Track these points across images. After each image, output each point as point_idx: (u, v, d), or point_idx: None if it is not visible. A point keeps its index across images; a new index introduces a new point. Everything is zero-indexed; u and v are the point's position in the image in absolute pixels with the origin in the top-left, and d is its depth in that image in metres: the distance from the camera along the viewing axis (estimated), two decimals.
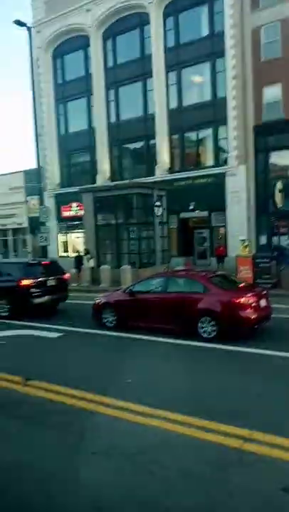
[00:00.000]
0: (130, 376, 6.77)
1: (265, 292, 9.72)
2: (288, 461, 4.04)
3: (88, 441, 4.67)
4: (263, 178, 22.75)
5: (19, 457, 4.45)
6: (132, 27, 26.08)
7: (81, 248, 23.06)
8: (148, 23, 24.91)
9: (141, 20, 25.49)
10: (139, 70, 25.79)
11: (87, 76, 27.91)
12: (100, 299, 11.06)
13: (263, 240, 22.82)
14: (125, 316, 10.21)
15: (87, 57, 28.00)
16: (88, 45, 27.43)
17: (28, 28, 21.21)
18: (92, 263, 20.07)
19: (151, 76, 25.06)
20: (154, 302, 9.79)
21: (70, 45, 28.68)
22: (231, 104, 22.41)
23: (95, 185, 25.92)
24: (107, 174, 27.56)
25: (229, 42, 22.17)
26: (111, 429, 4.98)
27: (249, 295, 8.98)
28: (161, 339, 9.07)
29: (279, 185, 16.59)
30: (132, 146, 27.73)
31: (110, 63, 27.21)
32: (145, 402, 5.54)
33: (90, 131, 28.19)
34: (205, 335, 8.89)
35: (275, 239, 21.66)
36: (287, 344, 8.27)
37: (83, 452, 4.41)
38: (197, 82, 24.59)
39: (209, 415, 5.10)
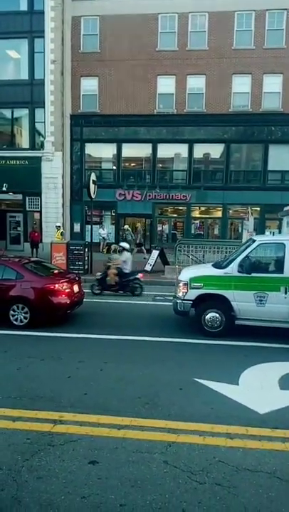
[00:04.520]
0: None
1: (78, 278, 10.04)
2: (95, 435, 4.34)
3: None
4: (79, 168, 23.30)
5: None
6: None
7: None
8: None
9: None
10: None
11: None
12: None
13: (77, 227, 23.47)
14: None
15: None
16: None
17: None
18: None
19: None
20: None
21: None
22: (49, 88, 22.07)
23: None
24: None
25: (49, 24, 21.69)
26: None
27: (63, 281, 9.13)
28: None
29: (93, 176, 17.25)
30: None
31: None
32: None
33: None
34: (17, 322, 8.66)
35: (88, 227, 22.55)
36: (96, 326, 8.79)
37: None
38: (13, 57, 23.28)
39: (16, 403, 5.04)
